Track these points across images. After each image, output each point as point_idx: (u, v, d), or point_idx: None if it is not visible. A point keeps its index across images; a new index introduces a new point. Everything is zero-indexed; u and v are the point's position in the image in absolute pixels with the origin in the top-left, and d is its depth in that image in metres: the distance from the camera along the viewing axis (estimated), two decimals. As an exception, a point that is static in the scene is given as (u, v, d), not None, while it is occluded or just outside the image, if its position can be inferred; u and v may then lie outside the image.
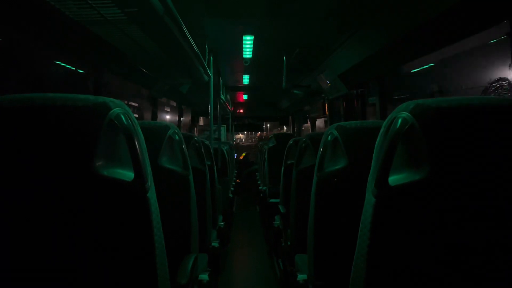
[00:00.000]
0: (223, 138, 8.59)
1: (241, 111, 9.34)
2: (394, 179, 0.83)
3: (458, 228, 0.80)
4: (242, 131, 14.84)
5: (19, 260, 0.85)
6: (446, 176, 0.79)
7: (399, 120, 0.81)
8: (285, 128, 12.65)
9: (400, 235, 0.83)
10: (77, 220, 0.85)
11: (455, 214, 0.80)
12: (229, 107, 7.33)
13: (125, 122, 0.84)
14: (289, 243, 2.34)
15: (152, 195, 0.89)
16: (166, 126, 1.49)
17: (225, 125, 9.00)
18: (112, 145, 0.86)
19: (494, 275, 0.81)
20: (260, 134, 16.44)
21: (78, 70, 4.90)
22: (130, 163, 0.85)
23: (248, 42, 3.24)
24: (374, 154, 0.88)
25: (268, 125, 17.25)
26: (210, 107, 3.59)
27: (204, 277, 1.72)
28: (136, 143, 0.85)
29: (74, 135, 0.82)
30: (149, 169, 0.90)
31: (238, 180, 8.06)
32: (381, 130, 0.87)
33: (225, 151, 4.75)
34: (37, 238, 0.85)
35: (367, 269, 0.85)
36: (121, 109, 0.86)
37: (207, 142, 2.83)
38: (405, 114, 0.81)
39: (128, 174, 0.86)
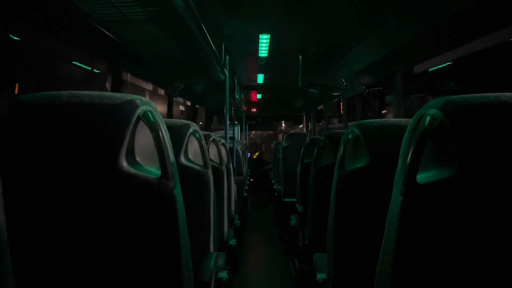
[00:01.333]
0: (237, 137, 8.61)
1: (254, 110, 9.33)
2: (422, 177, 0.81)
3: (488, 228, 0.79)
4: (255, 130, 14.62)
5: (47, 254, 0.86)
6: (476, 174, 0.77)
7: (428, 117, 0.79)
8: (300, 126, 12.54)
9: (429, 234, 0.82)
10: (105, 216, 0.86)
11: (485, 213, 0.78)
12: (242, 107, 7.34)
13: (152, 120, 0.85)
14: (306, 242, 2.33)
15: (178, 192, 0.90)
16: (187, 125, 1.50)
17: (239, 124, 9.01)
18: (140, 142, 0.86)
19: None
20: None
21: (94, 70, 4.97)
22: (156, 160, 0.86)
23: (264, 41, 3.24)
24: (401, 152, 0.87)
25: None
26: (226, 107, 3.60)
27: (224, 275, 1.72)
28: (163, 140, 0.86)
29: (102, 132, 0.83)
30: (174, 166, 0.90)
31: (251, 179, 8.07)
32: (408, 128, 0.86)
33: (240, 150, 4.76)
34: (65, 234, 0.86)
35: (394, 269, 0.84)
36: (148, 107, 0.86)
37: (223, 141, 2.85)
38: (434, 111, 0.80)
39: (155, 172, 0.86)
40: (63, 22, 1.79)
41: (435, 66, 3.25)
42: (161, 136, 0.85)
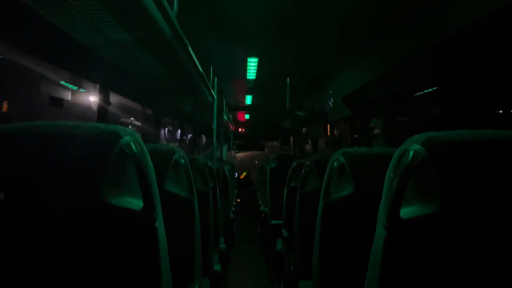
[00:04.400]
0: (224, 158, 8.58)
1: (243, 130, 9.34)
2: (405, 212, 0.82)
3: (470, 262, 0.79)
4: (243, 150, 14.47)
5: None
6: (458, 210, 0.78)
7: (411, 153, 0.80)
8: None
9: (412, 268, 0.81)
10: (84, 247, 0.84)
11: (466, 247, 0.79)
12: (231, 127, 7.35)
13: (135, 151, 0.84)
14: (292, 268, 2.31)
15: (160, 224, 0.88)
16: (172, 150, 1.49)
17: (227, 144, 9.00)
18: (122, 173, 0.85)
19: None
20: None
21: (81, 89, 4.94)
22: (139, 191, 0.85)
23: (252, 64, 3.28)
24: (384, 186, 0.87)
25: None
26: (214, 128, 3.60)
27: None
28: (146, 171, 0.84)
29: (84, 163, 0.82)
30: (157, 197, 0.89)
31: (238, 200, 8.01)
32: (392, 162, 0.87)
33: (226, 171, 4.73)
34: (45, 266, 0.84)
35: None
36: (131, 137, 0.86)
37: (210, 164, 2.82)
38: (416, 146, 0.81)
39: (137, 203, 0.85)
40: (52, 46, 1.78)
41: (421, 91, 3.31)
42: (144, 167, 0.84)
